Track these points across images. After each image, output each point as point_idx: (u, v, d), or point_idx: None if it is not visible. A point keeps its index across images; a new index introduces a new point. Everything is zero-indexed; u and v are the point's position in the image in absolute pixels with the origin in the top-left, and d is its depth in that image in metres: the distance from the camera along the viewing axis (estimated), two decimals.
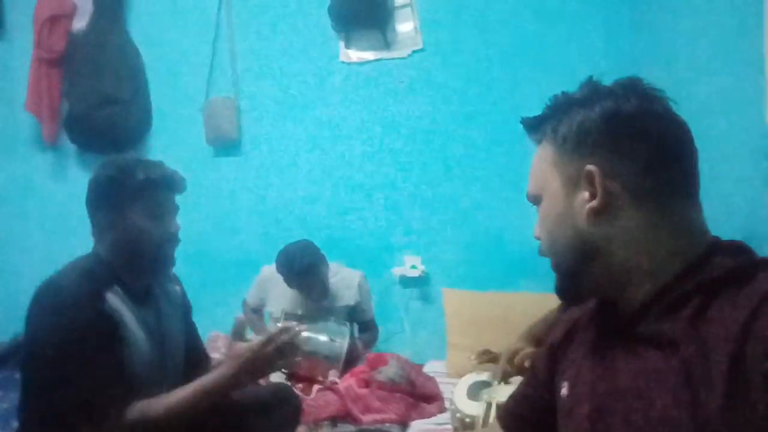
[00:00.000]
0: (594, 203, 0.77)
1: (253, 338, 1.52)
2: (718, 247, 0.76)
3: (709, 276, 0.72)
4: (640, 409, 0.72)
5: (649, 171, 0.77)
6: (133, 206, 1.47)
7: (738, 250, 0.76)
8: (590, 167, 0.77)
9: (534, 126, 0.87)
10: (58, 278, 1.41)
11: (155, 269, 1.57)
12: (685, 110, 0.83)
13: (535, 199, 0.87)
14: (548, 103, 0.85)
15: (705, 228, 0.79)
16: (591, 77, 0.83)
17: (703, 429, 0.64)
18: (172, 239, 1.53)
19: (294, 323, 1.53)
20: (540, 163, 0.86)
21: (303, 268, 2.48)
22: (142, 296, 1.52)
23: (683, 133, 0.80)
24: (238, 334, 1.51)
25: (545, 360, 0.98)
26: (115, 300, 1.42)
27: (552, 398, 0.93)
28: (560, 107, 0.84)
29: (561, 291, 0.85)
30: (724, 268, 0.72)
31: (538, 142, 0.87)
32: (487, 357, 1.85)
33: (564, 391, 0.88)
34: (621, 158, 0.77)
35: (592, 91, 0.81)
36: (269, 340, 1.44)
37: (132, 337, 1.43)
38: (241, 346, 1.45)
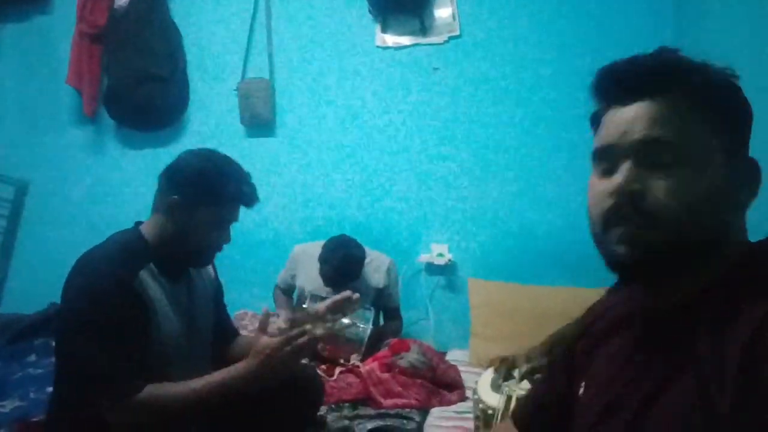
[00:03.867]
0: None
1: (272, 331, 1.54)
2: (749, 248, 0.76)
3: (731, 277, 0.71)
4: (653, 409, 0.72)
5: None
6: (206, 208, 1.49)
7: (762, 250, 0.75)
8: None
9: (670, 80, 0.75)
10: (96, 251, 1.45)
11: (188, 265, 1.61)
12: None
13: (672, 157, 0.72)
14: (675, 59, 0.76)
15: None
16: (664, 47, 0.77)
17: (715, 429, 0.64)
18: (219, 248, 1.58)
19: (310, 325, 1.51)
20: (683, 122, 0.73)
21: (344, 272, 2.52)
22: (176, 275, 1.56)
23: None
24: (260, 328, 1.52)
25: (561, 359, 0.98)
26: (147, 278, 1.44)
27: (568, 398, 0.93)
28: (698, 70, 0.75)
29: (659, 261, 0.73)
30: (746, 268, 0.72)
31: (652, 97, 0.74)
32: (506, 365, 1.84)
33: (581, 390, 0.89)
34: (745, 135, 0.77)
35: (699, 62, 0.76)
36: (288, 340, 1.44)
37: (161, 314, 1.46)
38: (261, 343, 1.45)
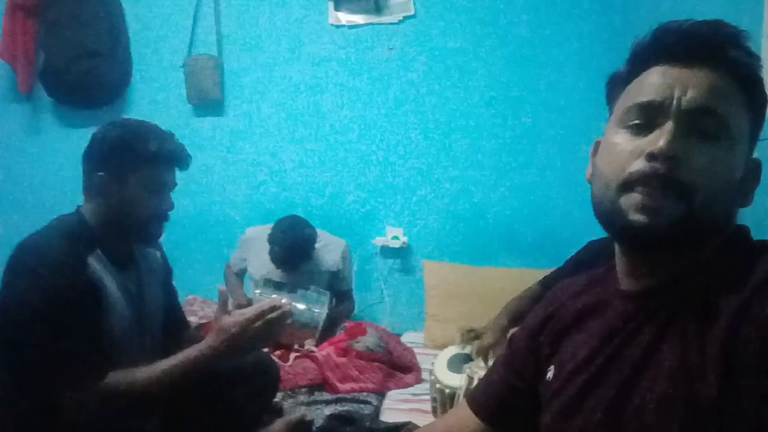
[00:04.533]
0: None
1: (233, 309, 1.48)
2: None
3: (719, 261, 0.71)
4: (634, 390, 0.71)
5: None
6: (135, 175, 1.42)
7: (739, 234, 0.76)
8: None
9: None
10: (39, 239, 1.36)
11: (138, 240, 1.54)
12: None
13: (715, 128, 0.70)
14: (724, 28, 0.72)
15: None
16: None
17: (698, 414, 0.64)
18: (164, 216, 1.50)
19: (284, 299, 1.47)
20: (731, 98, 0.71)
21: (294, 253, 2.47)
22: (123, 260, 1.49)
23: None
24: (222, 306, 1.46)
25: (524, 343, 0.95)
26: (96, 264, 1.38)
27: (530, 382, 0.91)
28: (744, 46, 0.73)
29: (676, 236, 0.69)
30: (728, 252, 0.71)
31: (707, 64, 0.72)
32: (473, 335, 1.84)
33: (550, 374, 0.87)
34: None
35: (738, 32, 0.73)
36: (258, 316, 1.39)
37: (112, 302, 1.40)
38: (228, 320, 1.39)
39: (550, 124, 2.86)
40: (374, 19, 2.99)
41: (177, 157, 1.48)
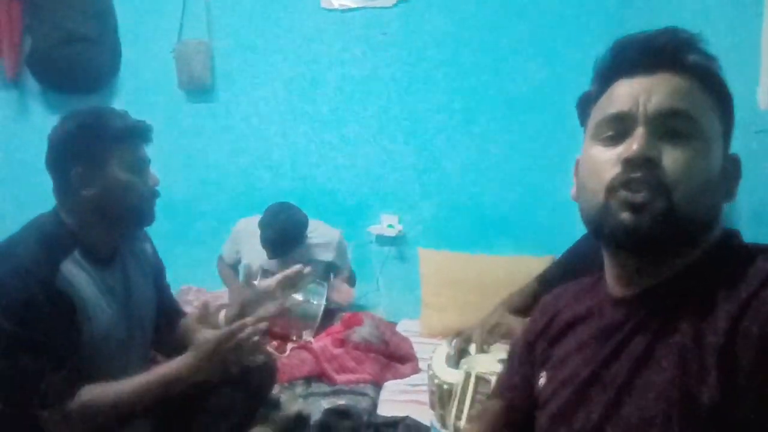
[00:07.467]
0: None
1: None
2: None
3: (710, 264, 0.72)
4: (629, 394, 0.71)
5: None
6: (113, 157, 1.38)
7: (729, 237, 0.76)
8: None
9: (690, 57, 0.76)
10: (10, 246, 1.32)
11: (138, 225, 1.50)
12: None
13: (687, 129, 0.72)
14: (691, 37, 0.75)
15: None
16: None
17: (700, 418, 0.64)
18: (154, 192, 1.47)
19: (258, 320, 1.46)
20: (697, 98, 0.74)
21: (286, 236, 2.44)
22: (106, 259, 1.44)
23: None
24: (200, 320, 1.45)
25: (523, 352, 0.97)
26: (72, 269, 1.33)
27: (528, 387, 0.93)
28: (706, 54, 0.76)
29: (663, 232, 0.70)
30: (719, 255, 0.73)
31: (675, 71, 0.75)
32: (462, 339, 1.82)
33: (542, 380, 0.88)
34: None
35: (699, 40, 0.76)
36: (231, 334, 1.39)
37: (92, 307, 1.36)
38: (204, 337, 1.39)
39: (546, 111, 2.83)
40: (367, 2, 2.93)
41: (143, 131, 1.44)
